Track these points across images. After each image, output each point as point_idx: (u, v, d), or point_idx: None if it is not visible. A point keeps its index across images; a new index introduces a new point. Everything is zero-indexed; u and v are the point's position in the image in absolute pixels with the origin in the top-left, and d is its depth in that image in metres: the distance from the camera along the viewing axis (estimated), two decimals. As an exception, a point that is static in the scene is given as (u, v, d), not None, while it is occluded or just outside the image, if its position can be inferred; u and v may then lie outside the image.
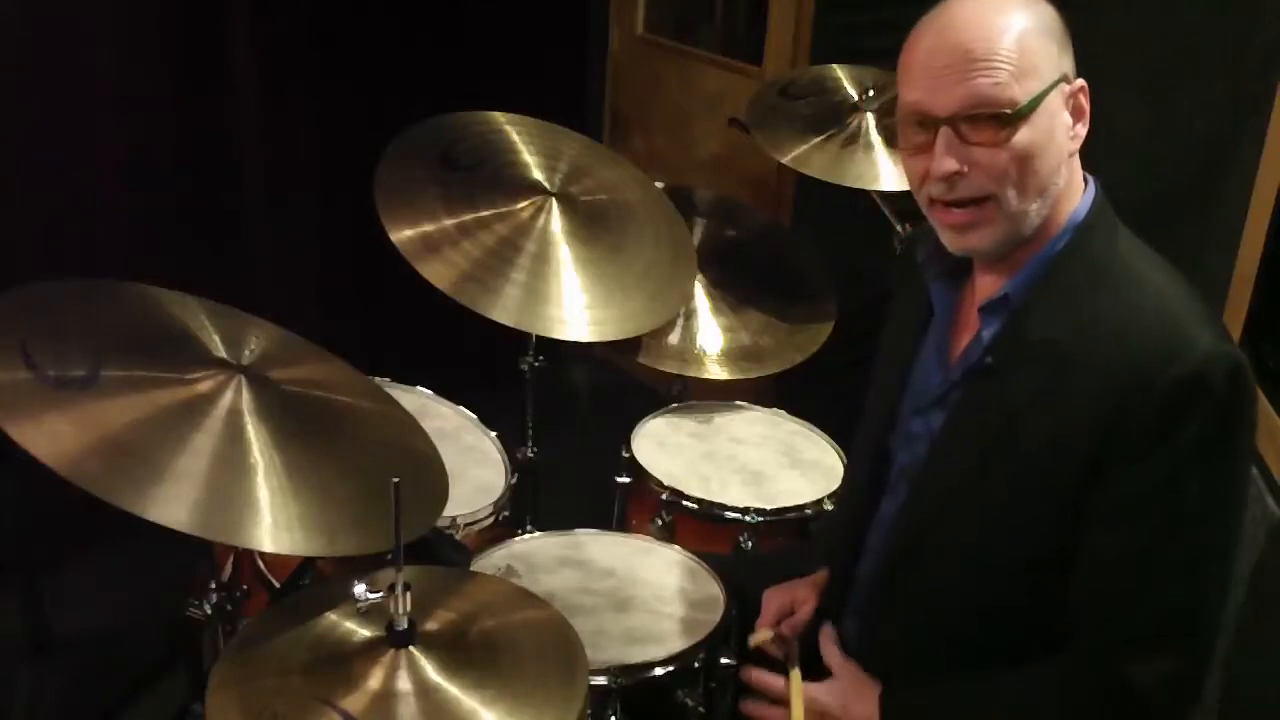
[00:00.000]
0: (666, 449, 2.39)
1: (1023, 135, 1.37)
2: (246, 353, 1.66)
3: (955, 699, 1.52)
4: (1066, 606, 1.42)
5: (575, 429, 3.20)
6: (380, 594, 1.41)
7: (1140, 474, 1.34)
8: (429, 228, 2.14)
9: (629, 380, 3.38)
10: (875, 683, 1.59)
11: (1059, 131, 1.40)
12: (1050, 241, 1.44)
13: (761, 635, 1.78)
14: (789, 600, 1.81)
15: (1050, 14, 1.41)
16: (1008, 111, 1.36)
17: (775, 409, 2.56)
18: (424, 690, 1.39)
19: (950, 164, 1.39)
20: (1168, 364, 1.31)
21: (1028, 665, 1.46)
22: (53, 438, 1.41)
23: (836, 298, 2.65)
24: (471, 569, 1.92)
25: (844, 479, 2.14)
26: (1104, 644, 1.40)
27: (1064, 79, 1.40)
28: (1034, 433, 1.40)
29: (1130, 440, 1.33)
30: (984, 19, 1.37)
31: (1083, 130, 1.42)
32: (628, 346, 2.47)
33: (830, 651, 1.65)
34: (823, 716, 1.60)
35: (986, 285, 1.51)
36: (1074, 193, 1.45)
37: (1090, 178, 1.48)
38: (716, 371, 2.51)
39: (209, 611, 1.90)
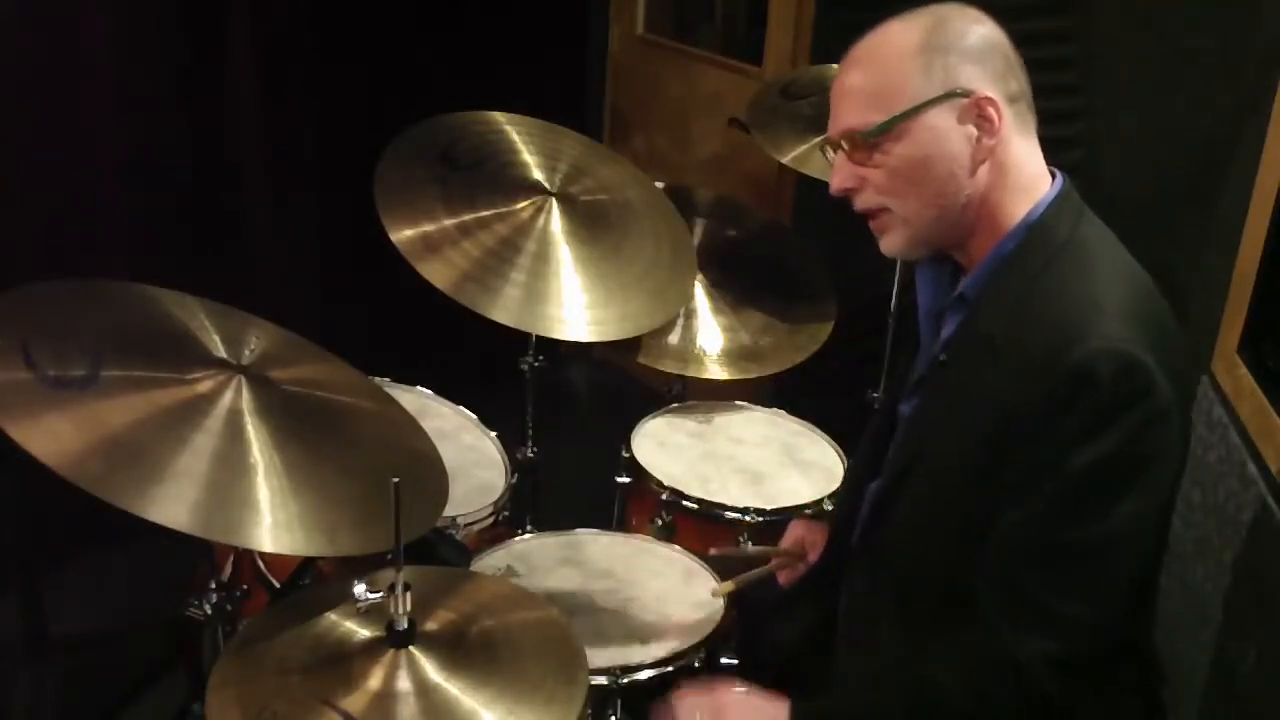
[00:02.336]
0: (666, 449, 2.39)
1: (897, 151, 1.46)
2: (246, 353, 1.66)
3: (861, 697, 1.59)
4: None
5: (575, 429, 3.20)
6: (380, 594, 1.41)
7: (1031, 457, 1.38)
8: (429, 228, 2.14)
9: (629, 380, 3.38)
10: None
11: (950, 143, 1.45)
12: (1002, 241, 1.49)
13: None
14: (804, 538, 1.94)
15: (946, 31, 1.46)
16: (862, 135, 1.47)
17: (775, 409, 2.56)
18: (424, 690, 1.39)
19: (836, 182, 1.53)
20: (1065, 351, 1.35)
21: (934, 650, 1.50)
22: (53, 438, 1.41)
23: (836, 298, 2.65)
24: (471, 569, 1.92)
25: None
26: (996, 620, 1.44)
27: (953, 94, 1.44)
28: (963, 420, 1.47)
29: (1027, 424, 1.38)
30: (864, 50, 1.50)
31: (990, 141, 1.45)
32: (628, 346, 2.47)
33: None
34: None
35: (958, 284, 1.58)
36: (1023, 194, 1.49)
37: (1058, 174, 1.52)
38: (716, 371, 2.51)
39: (209, 611, 1.90)
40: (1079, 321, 1.37)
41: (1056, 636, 1.40)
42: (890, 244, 1.54)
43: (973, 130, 1.45)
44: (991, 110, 1.45)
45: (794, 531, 1.99)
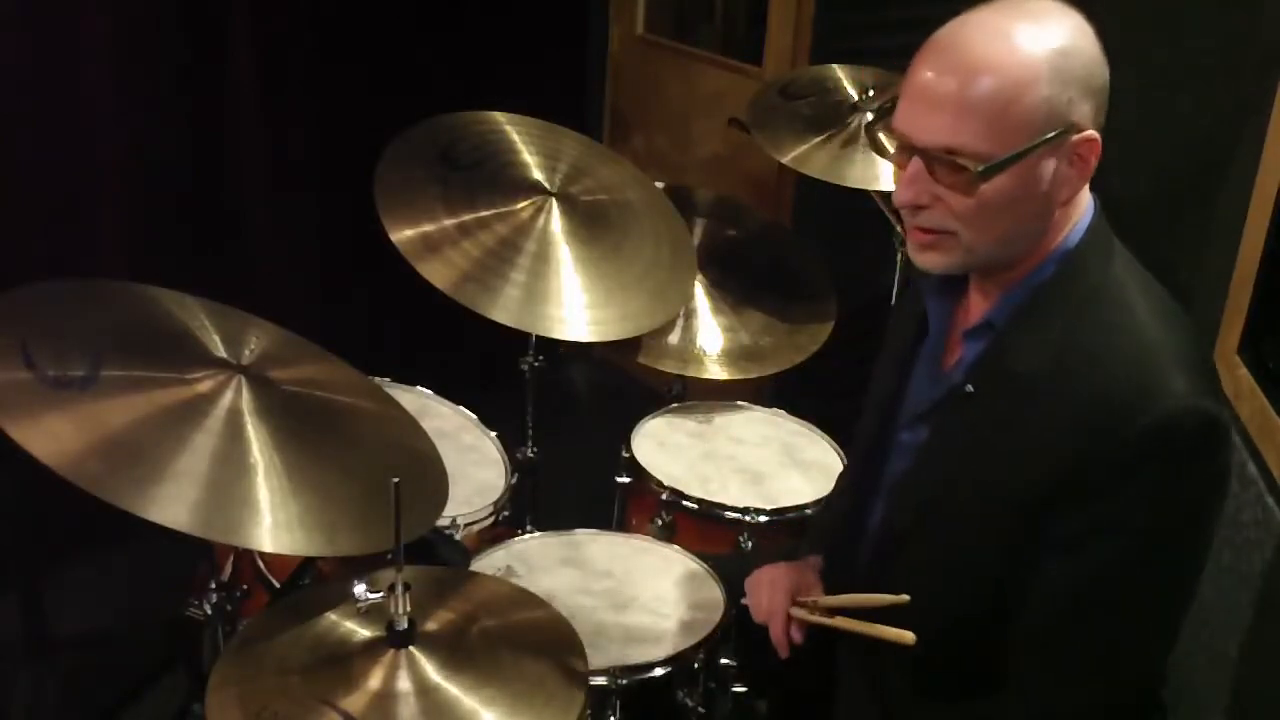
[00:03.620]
0: (666, 449, 2.39)
1: (992, 187, 1.32)
2: (246, 353, 1.66)
3: None
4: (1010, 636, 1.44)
5: (575, 429, 3.20)
6: (380, 594, 1.41)
7: (1093, 513, 1.33)
8: (429, 228, 2.14)
9: (629, 380, 3.38)
10: None
11: (1044, 182, 1.34)
12: (1036, 269, 1.41)
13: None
14: (793, 587, 1.71)
15: (1074, 59, 1.32)
16: (975, 168, 1.31)
17: (775, 409, 2.56)
18: (424, 690, 1.39)
19: (908, 196, 1.36)
20: (1138, 411, 1.29)
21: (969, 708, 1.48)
22: (53, 438, 1.41)
23: (836, 298, 2.65)
24: (471, 569, 1.92)
25: (839, 482, 2.12)
26: (1033, 675, 1.41)
27: (1068, 129, 1.32)
28: (1001, 459, 1.40)
29: (1089, 480, 1.32)
30: (988, 57, 1.30)
31: (1080, 182, 1.37)
32: (628, 346, 2.47)
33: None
34: None
35: (975, 306, 1.50)
36: (1066, 223, 1.41)
37: (1093, 198, 1.44)
38: (716, 371, 2.51)
39: (209, 611, 1.90)
40: (1146, 374, 1.31)
41: (1107, 686, 1.38)
42: (934, 262, 1.41)
43: (1066, 168, 1.35)
44: (1089, 152, 1.35)
45: (779, 588, 1.71)
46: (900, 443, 1.59)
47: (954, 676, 1.51)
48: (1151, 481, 1.30)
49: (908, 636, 1.42)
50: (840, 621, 1.58)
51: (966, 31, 1.33)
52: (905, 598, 1.43)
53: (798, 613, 1.65)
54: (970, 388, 1.44)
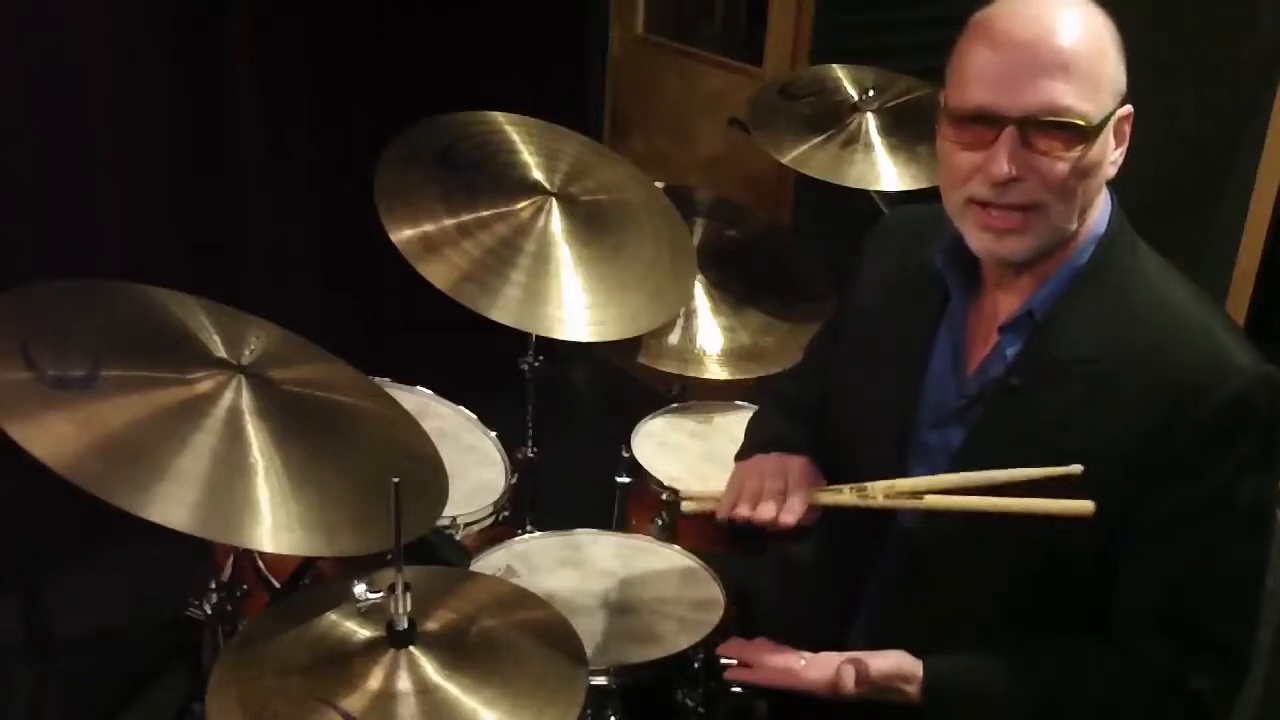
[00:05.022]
0: (666, 449, 2.39)
1: (1089, 151, 1.34)
2: (246, 353, 1.66)
3: (997, 670, 1.47)
4: (1109, 617, 1.43)
5: (575, 429, 3.20)
6: (380, 594, 1.41)
7: (1193, 489, 1.34)
8: (429, 228, 2.14)
9: (629, 380, 3.38)
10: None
11: (1110, 152, 1.38)
12: (1073, 255, 1.42)
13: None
14: (764, 487, 1.60)
15: (1114, 28, 1.37)
16: (1082, 125, 1.32)
17: (775, 409, 2.56)
18: (424, 690, 1.39)
19: (1007, 168, 1.33)
20: (1213, 386, 1.32)
21: (1074, 640, 1.45)
22: (53, 438, 1.41)
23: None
24: (471, 569, 1.92)
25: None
26: (1166, 654, 1.40)
27: (1122, 100, 1.37)
28: (1070, 451, 1.37)
29: (1180, 457, 1.33)
30: (1067, 20, 1.33)
31: (1120, 157, 1.40)
32: (628, 346, 2.47)
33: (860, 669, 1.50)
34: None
35: (1006, 301, 1.48)
36: (1097, 208, 1.44)
37: (1109, 191, 1.46)
38: (716, 371, 2.51)
39: (209, 611, 1.90)
40: (1210, 350, 1.34)
41: (1228, 667, 1.39)
42: (1017, 245, 1.38)
43: (1113, 142, 1.38)
44: (1127, 127, 1.39)
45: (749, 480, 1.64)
46: (925, 447, 1.54)
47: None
48: (1242, 453, 1.33)
49: (1087, 506, 1.33)
50: (958, 500, 1.41)
51: (1034, 5, 1.35)
52: (1078, 468, 1.34)
53: (841, 499, 1.53)
54: (1016, 380, 1.43)
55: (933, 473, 1.50)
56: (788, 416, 1.77)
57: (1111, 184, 1.47)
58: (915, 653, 1.51)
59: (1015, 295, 1.46)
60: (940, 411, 1.53)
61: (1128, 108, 1.39)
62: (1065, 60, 1.31)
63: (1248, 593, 1.40)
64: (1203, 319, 1.38)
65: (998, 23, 1.35)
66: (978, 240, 1.42)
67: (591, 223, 2.27)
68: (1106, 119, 1.34)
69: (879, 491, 1.50)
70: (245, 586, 1.96)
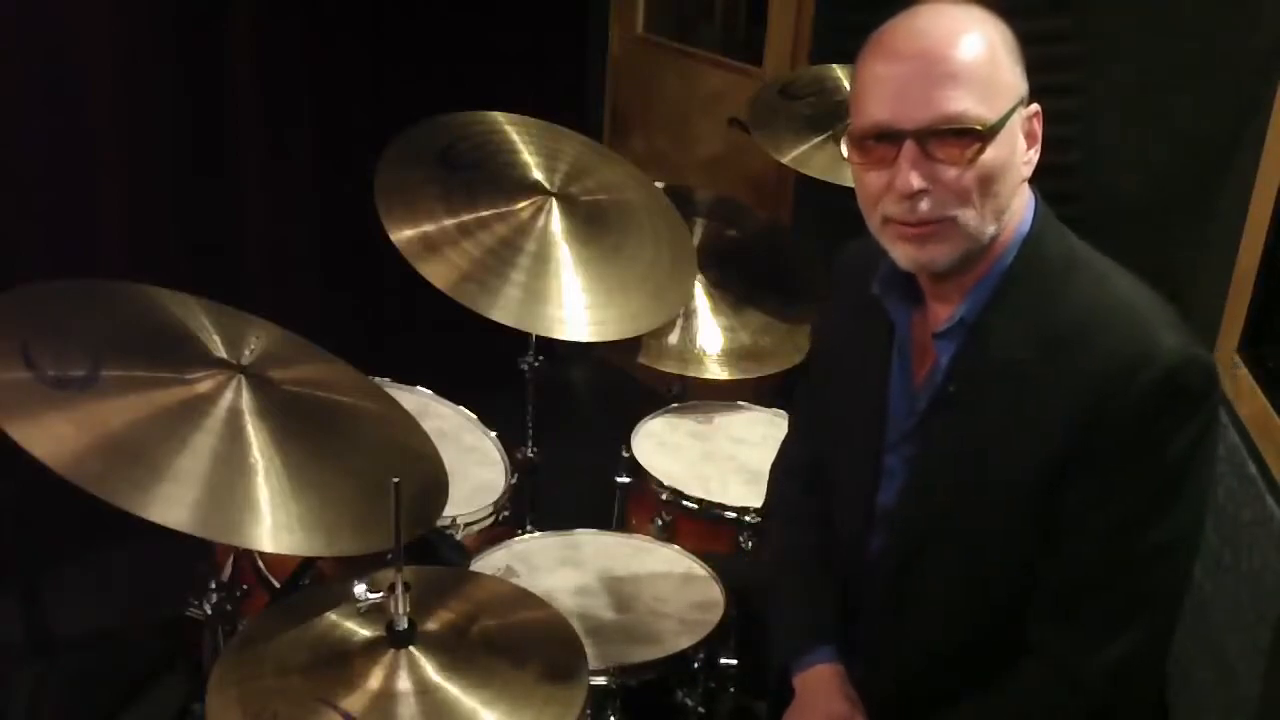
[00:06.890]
0: (666, 449, 2.39)
1: (989, 155, 1.35)
2: (246, 353, 1.66)
3: None
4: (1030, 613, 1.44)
5: (575, 429, 3.20)
6: (380, 594, 1.42)
7: (1109, 472, 1.35)
8: (429, 228, 2.14)
9: (629, 380, 3.38)
10: None
11: (1018, 154, 1.39)
12: (999, 258, 1.43)
13: None
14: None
15: (1010, 33, 1.39)
16: (978, 128, 1.33)
17: (775, 409, 2.56)
18: (424, 690, 1.39)
19: (915, 180, 1.35)
20: (1139, 367, 1.32)
21: (992, 692, 1.47)
22: (53, 438, 1.41)
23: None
24: (471, 569, 1.92)
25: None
26: (1054, 638, 1.42)
27: (1023, 101, 1.38)
28: (1008, 453, 1.40)
29: (1100, 443, 1.34)
30: (953, 31, 1.35)
31: (1035, 156, 1.41)
32: (628, 346, 2.47)
33: None
34: None
35: (938, 311, 1.49)
36: (1019, 210, 1.44)
37: (1031, 190, 1.46)
38: (716, 371, 2.51)
39: (209, 611, 1.90)
40: (1139, 334, 1.34)
41: (1122, 644, 1.39)
42: (936, 253, 1.40)
43: (1023, 143, 1.39)
44: (1038, 125, 1.40)
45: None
46: (888, 470, 1.55)
47: (973, 669, 1.49)
48: (1164, 430, 1.33)
49: None
50: None
51: (925, 17, 1.38)
52: None
53: None
54: (953, 388, 1.45)
55: (901, 489, 1.53)
56: (807, 588, 1.71)
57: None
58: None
59: (949, 305, 1.48)
60: (897, 432, 1.54)
61: (1034, 107, 1.40)
62: (954, 69, 1.34)
63: (1166, 568, 1.39)
64: (1135, 303, 1.39)
65: (887, 41, 1.39)
66: (901, 253, 1.44)
67: (591, 223, 2.28)
68: (1004, 119, 1.35)
69: None
70: (245, 586, 1.97)
